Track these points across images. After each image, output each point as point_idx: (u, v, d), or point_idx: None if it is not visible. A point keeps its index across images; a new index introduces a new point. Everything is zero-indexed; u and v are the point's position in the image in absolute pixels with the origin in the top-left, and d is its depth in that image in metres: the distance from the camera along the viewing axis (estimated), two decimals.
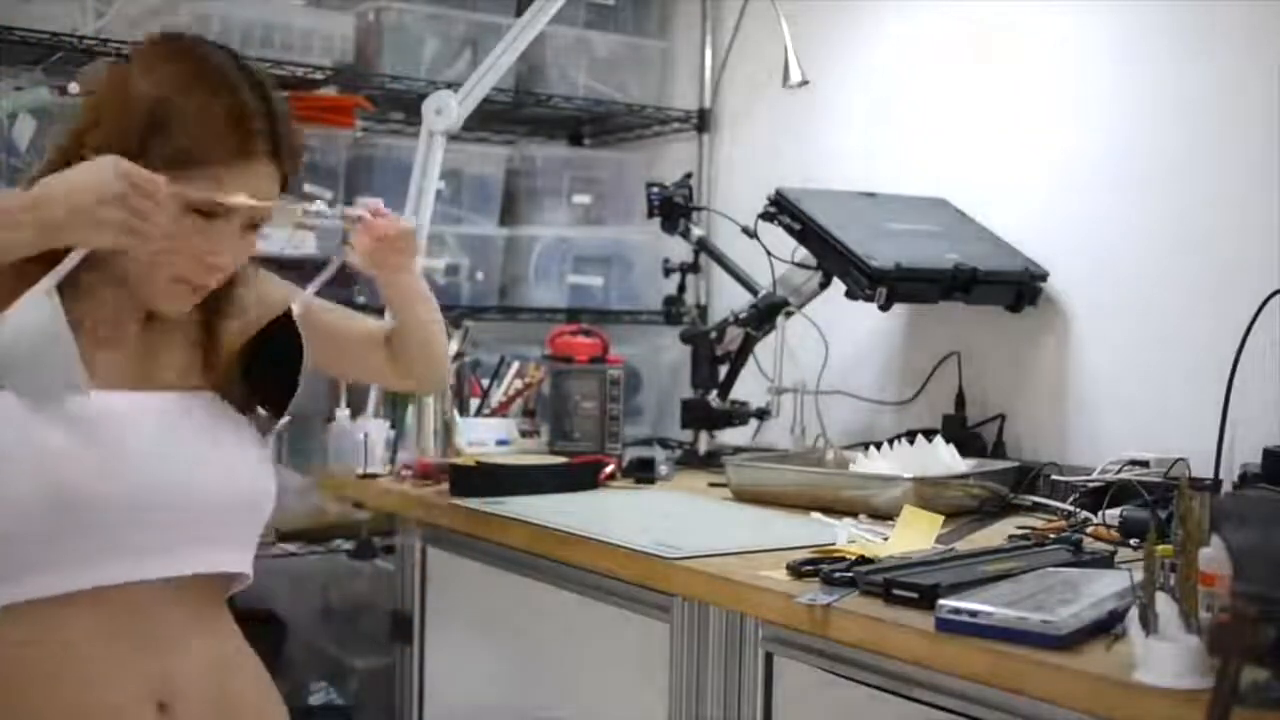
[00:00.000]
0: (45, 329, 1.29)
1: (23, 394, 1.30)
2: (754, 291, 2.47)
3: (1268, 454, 1.68)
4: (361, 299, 2.57)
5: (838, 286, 2.27)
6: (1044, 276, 2.27)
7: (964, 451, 2.06)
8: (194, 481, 1.38)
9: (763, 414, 2.46)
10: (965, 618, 1.25)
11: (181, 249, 1.34)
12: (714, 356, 2.48)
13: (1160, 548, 1.19)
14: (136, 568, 1.33)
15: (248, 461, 1.44)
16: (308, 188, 2.60)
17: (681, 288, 2.72)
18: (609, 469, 2.25)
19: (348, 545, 2.65)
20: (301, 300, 1.53)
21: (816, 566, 1.49)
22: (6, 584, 1.29)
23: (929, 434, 2.11)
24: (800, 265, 2.40)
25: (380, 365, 1.67)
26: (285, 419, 1.50)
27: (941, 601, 1.28)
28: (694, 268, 2.70)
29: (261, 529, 1.48)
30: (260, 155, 1.35)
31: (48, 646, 1.30)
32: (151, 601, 1.34)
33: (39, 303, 1.29)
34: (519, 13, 2.53)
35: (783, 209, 2.26)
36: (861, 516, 1.87)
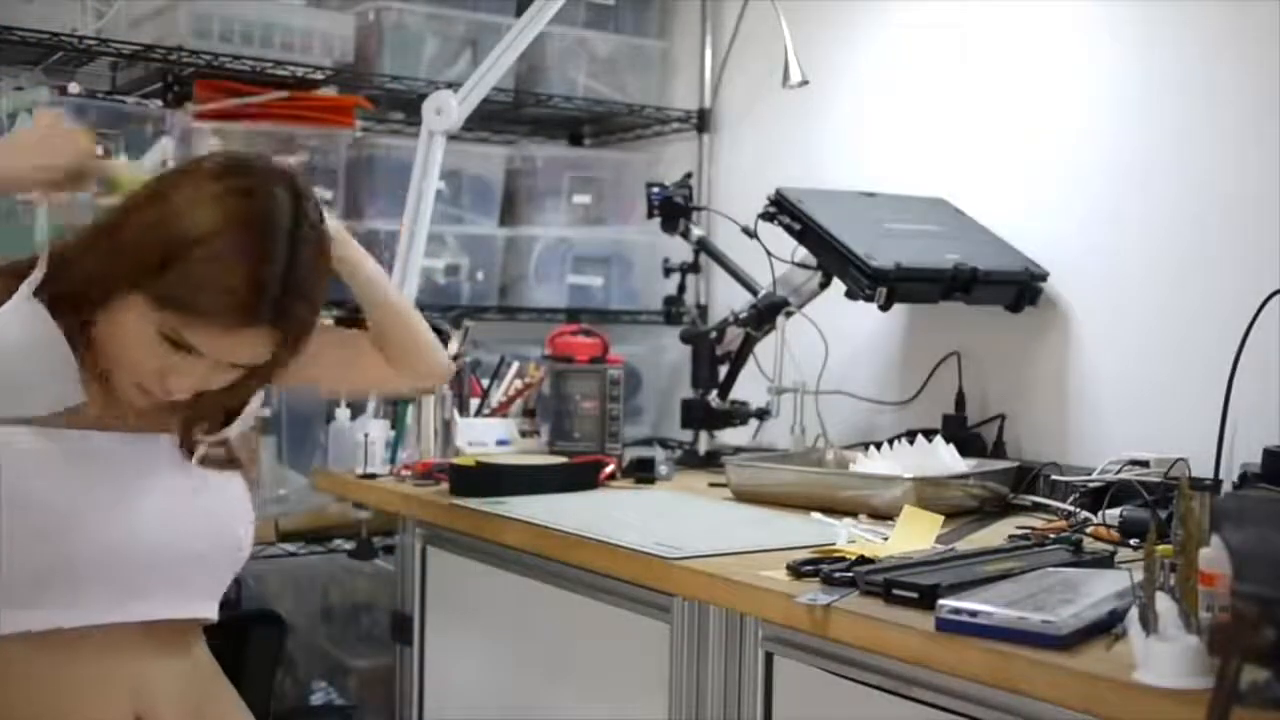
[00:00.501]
0: (37, 337, 1.30)
1: (18, 411, 1.30)
2: (754, 291, 2.47)
3: (1268, 454, 1.68)
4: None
5: (838, 286, 2.27)
6: (1044, 276, 2.27)
7: (964, 451, 2.06)
8: (180, 532, 1.39)
9: (763, 414, 2.46)
10: (965, 618, 1.25)
11: (145, 364, 1.32)
12: (714, 356, 2.48)
13: (1160, 548, 1.19)
14: (119, 611, 1.35)
15: (230, 507, 1.46)
16: None
17: (681, 288, 2.72)
18: (609, 469, 2.25)
19: (348, 545, 2.65)
20: None
21: (816, 566, 1.49)
22: (21, 612, 1.30)
23: (929, 434, 2.11)
24: (800, 265, 2.40)
25: (379, 369, 1.66)
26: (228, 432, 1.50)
27: (941, 601, 1.28)
28: (694, 268, 2.69)
29: (236, 572, 1.50)
30: (262, 323, 1.30)
31: (27, 680, 1.31)
32: (130, 639, 1.36)
33: (20, 309, 1.29)
34: (519, 13, 2.52)
35: (783, 209, 2.26)
36: (861, 516, 1.87)
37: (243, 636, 2.32)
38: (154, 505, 1.38)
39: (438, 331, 2.38)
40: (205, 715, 1.43)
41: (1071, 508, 1.89)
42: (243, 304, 1.27)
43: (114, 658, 1.35)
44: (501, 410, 2.50)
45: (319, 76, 2.68)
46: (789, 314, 2.39)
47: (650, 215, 2.61)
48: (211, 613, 1.47)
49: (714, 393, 2.48)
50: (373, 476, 2.26)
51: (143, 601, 1.37)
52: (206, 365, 1.32)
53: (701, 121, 3.11)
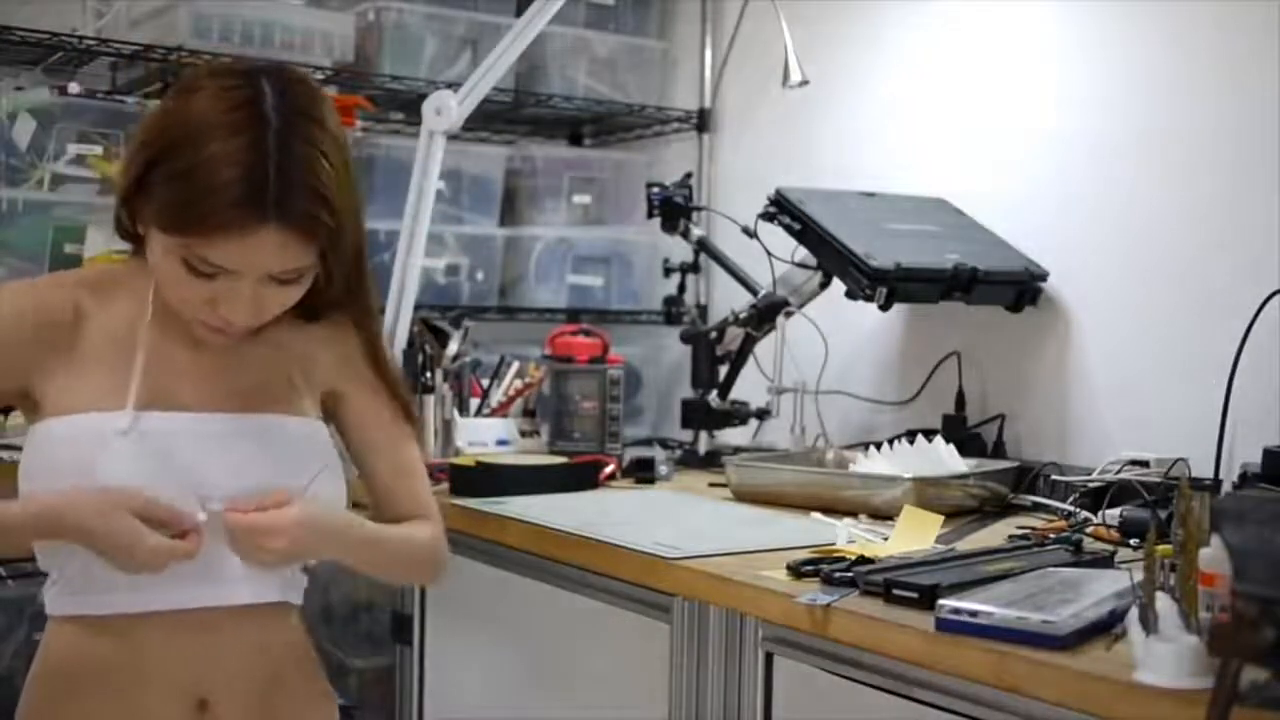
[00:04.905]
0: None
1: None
2: (754, 291, 2.47)
3: (1268, 454, 1.68)
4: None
5: (838, 286, 2.27)
6: (1044, 276, 2.27)
7: (964, 451, 2.06)
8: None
9: (763, 414, 2.46)
10: (965, 618, 1.25)
11: (190, 298, 1.29)
12: (714, 356, 2.48)
13: (1160, 548, 1.19)
14: (211, 594, 1.33)
15: (319, 485, 1.40)
16: None
17: (681, 288, 2.72)
18: (609, 469, 2.25)
19: None
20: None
21: (816, 566, 1.49)
22: (90, 596, 1.31)
23: (929, 434, 2.11)
24: (800, 265, 2.40)
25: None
26: None
27: (941, 601, 1.28)
28: (694, 268, 2.70)
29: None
30: (267, 221, 1.24)
31: (103, 652, 1.31)
32: (213, 615, 1.34)
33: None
34: (519, 13, 2.53)
35: (783, 209, 2.26)
36: (861, 516, 1.87)
37: None
38: (211, 485, 1.32)
39: (437, 332, 2.40)
40: (273, 700, 1.39)
41: (1071, 508, 1.89)
42: (238, 201, 1.22)
43: (190, 632, 1.32)
44: (501, 410, 2.50)
45: (319, 76, 2.67)
46: (789, 314, 2.39)
47: (650, 215, 2.61)
48: (296, 597, 1.43)
49: (714, 393, 2.48)
50: None
51: (233, 585, 1.34)
52: (248, 285, 1.27)
53: (701, 121, 3.11)
